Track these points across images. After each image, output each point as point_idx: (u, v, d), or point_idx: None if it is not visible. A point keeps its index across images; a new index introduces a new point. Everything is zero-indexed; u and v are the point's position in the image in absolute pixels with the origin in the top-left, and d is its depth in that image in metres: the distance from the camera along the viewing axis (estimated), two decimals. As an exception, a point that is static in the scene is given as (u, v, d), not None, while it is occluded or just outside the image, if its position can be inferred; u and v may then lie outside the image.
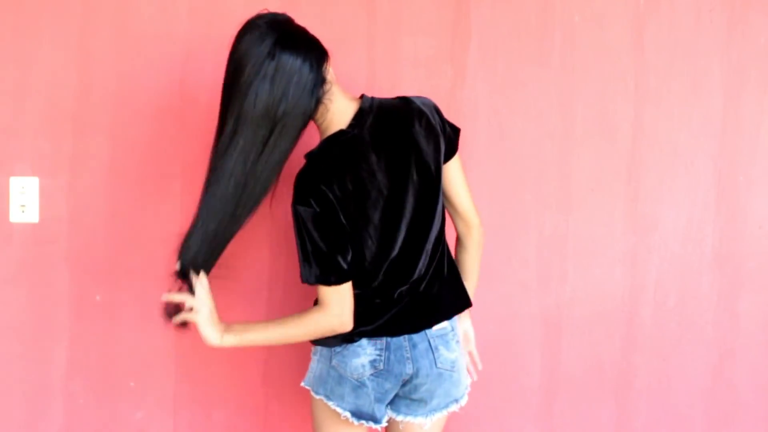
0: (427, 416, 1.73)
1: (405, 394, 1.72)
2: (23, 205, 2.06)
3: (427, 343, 1.69)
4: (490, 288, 2.17)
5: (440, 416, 1.75)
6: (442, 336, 1.72)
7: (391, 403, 1.74)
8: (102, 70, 2.08)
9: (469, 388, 1.79)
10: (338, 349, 1.68)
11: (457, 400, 1.75)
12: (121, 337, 2.12)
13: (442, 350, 1.71)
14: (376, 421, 1.70)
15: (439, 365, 1.70)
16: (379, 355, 1.67)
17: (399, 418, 1.74)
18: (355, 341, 1.67)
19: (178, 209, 2.10)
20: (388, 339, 1.67)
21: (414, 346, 1.68)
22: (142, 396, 2.14)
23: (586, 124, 2.18)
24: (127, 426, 2.14)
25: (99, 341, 2.12)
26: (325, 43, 1.61)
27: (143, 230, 2.10)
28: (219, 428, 2.16)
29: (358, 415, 1.68)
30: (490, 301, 2.18)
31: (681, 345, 2.22)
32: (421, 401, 1.72)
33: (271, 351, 2.13)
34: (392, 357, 1.67)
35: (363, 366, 1.66)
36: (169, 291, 1.67)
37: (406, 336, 1.68)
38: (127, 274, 2.11)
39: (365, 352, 1.67)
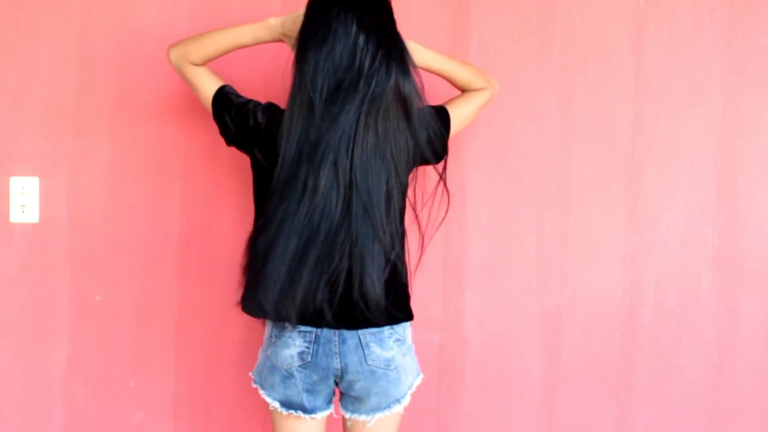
0: (368, 415, 1.71)
1: (345, 391, 1.72)
2: (23, 205, 2.06)
3: (357, 339, 1.66)
4: (490, 288, 2.18)
5: (383, 416, 1.71)
6: (376, 333, 1.67)
7: (341, 400, 1.75)
8: (102, 70, 2.08)
9: (413, 388, 1.73)
10: (273, 339, 1.69)
11: (398, 400, 1.71)
12: (121, 337, 2.12)
13: (374, 347, 1.66)
14: (306, 411, 1.70)
15: (369, 362, 1.66)
16: (308, 348, 1.66)
17: (347, 415, 1.75)
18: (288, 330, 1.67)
19: (178, 209, 2.10)
20: (318, 332, 1.66)
21: (343, 341, 1.66)
22: (142, 396, 2.14)
23: (586, 124, 2.17)
24: (127, 426, 2.14)
25: (99, 341, 2.12)
26: (325, 43, 1.60)
27: (143, 230, 2.10)
28: (219, 428, 2.16)
29: (287, 405, 1.70)
30: (490, 301, 2.18)
31: (681, 345, 2.22)
32: (359, 399, 1.70)
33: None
34: (320, 350, 1.66)
35: (292, 357, 1.67)
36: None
37: (336, 330, 1.66)
38: (127, 274, 2.11)
39: (294, 343, 1.66)
